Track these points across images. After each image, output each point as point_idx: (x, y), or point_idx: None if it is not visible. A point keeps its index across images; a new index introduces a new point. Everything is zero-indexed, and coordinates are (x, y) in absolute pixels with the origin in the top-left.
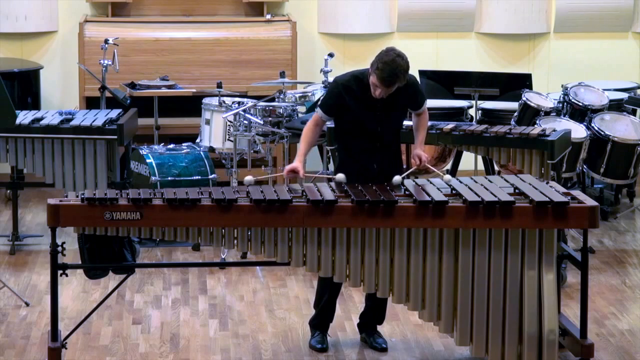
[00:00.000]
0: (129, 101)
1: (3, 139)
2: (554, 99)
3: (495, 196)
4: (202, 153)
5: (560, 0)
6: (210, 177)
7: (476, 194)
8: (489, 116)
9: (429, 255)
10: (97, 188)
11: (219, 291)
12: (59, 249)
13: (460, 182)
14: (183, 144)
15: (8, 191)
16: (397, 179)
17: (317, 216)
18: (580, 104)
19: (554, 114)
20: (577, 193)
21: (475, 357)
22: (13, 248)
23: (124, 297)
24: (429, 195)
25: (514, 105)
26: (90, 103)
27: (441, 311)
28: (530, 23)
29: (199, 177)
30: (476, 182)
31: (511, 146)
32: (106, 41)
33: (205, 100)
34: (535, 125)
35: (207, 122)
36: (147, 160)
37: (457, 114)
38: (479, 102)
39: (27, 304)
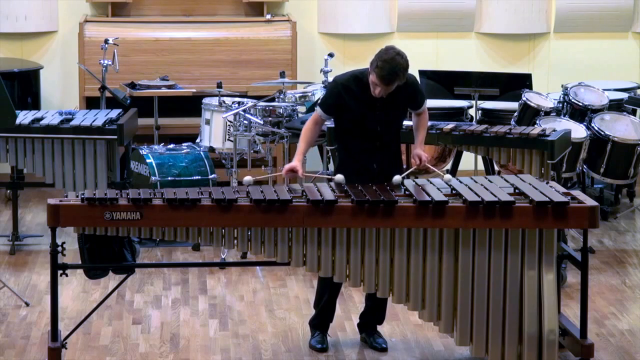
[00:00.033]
0: (129, 101)
1: (3, 139)
2: (554, 99)
3: (495, 196)
4: (202, 153)
5: (560, 0)
6: (210, 177)
7: (476, 194)
8: (489, 116)
9: (429, 255)
10: (97, 188)
11: (219, 291)
12: (59, 249)
13: (460, 182)
14: (183, 144)
15: (8, 191)
16: (397, 178)
17: (317, 216)
18: (580, 104)
19: (554, 114)
20: (577, 193)
21: (475, 357)
22: (13, 248)
23: (124, 297)
24: (429, 195)
25: (514, 105)
26: (90, 103)
27: (441, 311)
28: (530, 23)
29: (199, 177)
30: (476, 182)
31: (511, 146)
32: (106, 41)
33: (205, 100)
34: (535, 125)
35: (207, 122)
36: (147, 160)
37: (457, 114)
38: (479, 102)
39: (27, 304)
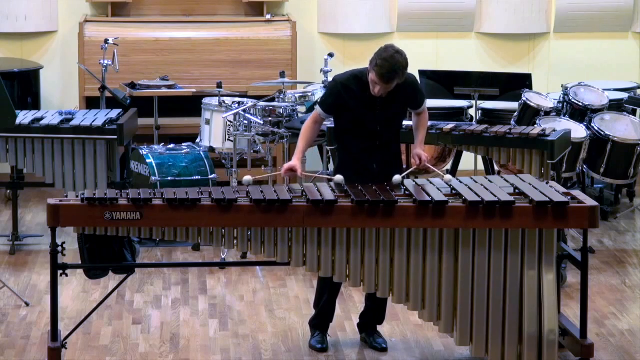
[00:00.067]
0: (129, 101)
1: (3, 139)
2: (554, 99)
3: (495, 196)
4: (202, 153)
5: (560, 0)
6: (210, 177)
7: (476, 194)
8: (489, 116)
9: (429, 255)
10: (97, 188)
11: (219, 291)
12: (59, 249)
13: (460, 182)
14: (183, 144)
15: (8, 191)
16: (397, 178)
17: (317, 216)
18: (580, 104)
19: (554, 114)
20: (577, 193)
21: (475, 357)
22: (13, 248)
23: (124, 297)
24: (429, 195)
25: (514, 105)
26: (90, 103)
27: (441, 311)
28: (530, 23)
29: (199, 177)
30: (476, 182)
31: (511, 146)
32: (106, 41)
33: (205, 100)
34: (535, 125)
35: (207, 122)
36: (147, 160)
37: (457, 114)
38: (479, 102)
39: (27, 304)
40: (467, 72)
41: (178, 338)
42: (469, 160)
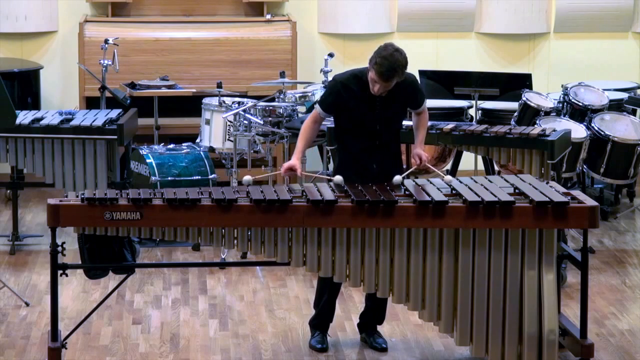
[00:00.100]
0: (129, 101)
1: (3, 139)
2: (554, 99)
3: (495, 196)
4: (202, 153)
5: (560, 0)
6: (210, 177)
7: (476, 194)
8: (489, 116)
9: (429, 255)
10: (97, 188)
11: (219, 291)
12: (59, 249)
13: (460, 182)
14: (183, 144)
15: (8, 191)
16: (397, 178)
17: (317, 216)
18: (580, 104)
19: (554, 114)
20: (577, 193)
21: (475, 357)
22: (13, 248)
23: (124, 297)
24: (429, 195)
25: (514, 105)
26: (90, 103)
27: (441, 311)
28: (530, 23)
29: (199, 177)
30: (476, 182)
31: (511, 146)
32: (106, 41)
33: (205, 100)
34: (535, 125)
35: (207, 122)
36: (147, 160)
37: (457, 114)
38: (479, 102)
39: (27, 304)
40: (467, 72)
41: (178, 338)
42: (469, 160)
